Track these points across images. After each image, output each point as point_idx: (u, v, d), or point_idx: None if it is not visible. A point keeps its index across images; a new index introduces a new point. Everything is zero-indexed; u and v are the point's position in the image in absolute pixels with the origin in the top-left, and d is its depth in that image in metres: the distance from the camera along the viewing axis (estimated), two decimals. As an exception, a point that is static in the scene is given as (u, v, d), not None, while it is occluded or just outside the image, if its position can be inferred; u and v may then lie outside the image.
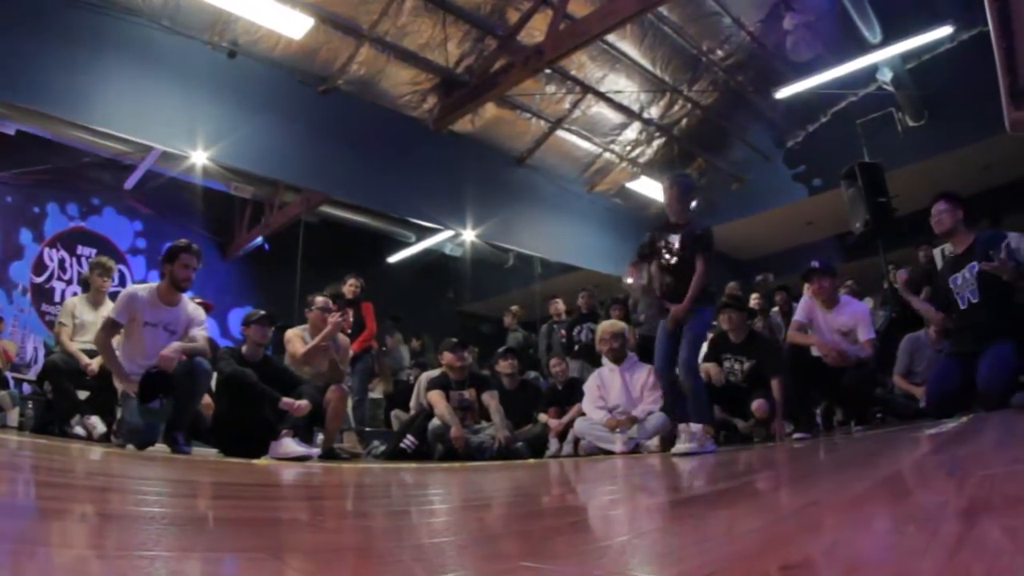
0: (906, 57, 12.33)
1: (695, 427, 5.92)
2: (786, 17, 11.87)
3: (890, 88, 12.67)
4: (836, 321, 7.02)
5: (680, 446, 5.84)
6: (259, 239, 13.82)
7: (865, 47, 11.64)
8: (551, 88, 12.65)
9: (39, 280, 11.79)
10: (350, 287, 9.83)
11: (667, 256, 6.47)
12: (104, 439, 6.69)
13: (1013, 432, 3.67)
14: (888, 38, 11.47)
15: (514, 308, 13.01)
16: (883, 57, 11.85)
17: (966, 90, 10.83)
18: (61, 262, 12.12)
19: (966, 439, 3.80)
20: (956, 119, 12.23)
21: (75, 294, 9.55)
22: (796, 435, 6.90)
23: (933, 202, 6.23)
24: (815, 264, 7.22)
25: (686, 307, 6.19)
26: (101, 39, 8.87)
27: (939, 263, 9.47)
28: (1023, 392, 5.08)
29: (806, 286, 7.31)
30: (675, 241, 6.45)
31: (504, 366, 8.89)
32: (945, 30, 11.07)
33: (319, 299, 7.94)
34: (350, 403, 8.73)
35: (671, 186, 6.72)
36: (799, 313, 7.28)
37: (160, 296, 6.28)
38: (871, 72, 12.45)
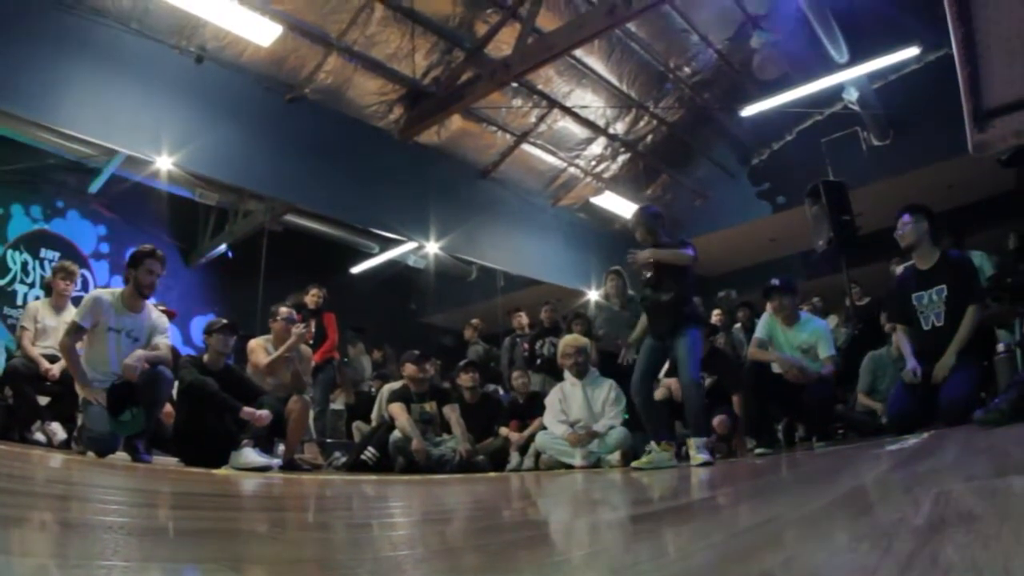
0: (872, 77, 12.46)
1: (702, 440, 6.12)
2: (753, 36, 11.98)
3: (856, 108, 12.78)
4: (797, 338, 7.09)
5: (699, 456, 5.92)
6: (223, 247, 13.71)
7: (832, 67, 11.76)
8: (517, 102, 12.68)
9: (2, 283, 11.59)
10: (312, 297, 9.78)
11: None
12: (64, 446, 6.62)
13: (972, 448, 3.71)
14: (855, 58, 11.60)
15: (475, 321, 12.98)
16: (849, 77, 11.97)
17: (931, 111, 10.92)
18: (24, 265, 11.92)
19: (926, 455, 3.84)
20: (921, 139, 12.38)
21: (38, 298, 9.44)
22: (757, 451, 6.96)
23: (898, 215, 6.28)
24: (775, 282, 7.29)
25: (654, 252, 6.45)
26: (68, 39, 8.77)
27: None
28: (984, 408, 5.11)
29: (767, 303, 7.37)
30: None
31: (465, 379, 8.88)
32: (911, 52, 11.21)
33: (283, 310, 7.90)
34: (311, 414, 8.69)
35: (637, 223, 6.87)
36: (760, 330, 7.35)
37: (124, 302, 6.25)
38: (837, 91, 12.56)
